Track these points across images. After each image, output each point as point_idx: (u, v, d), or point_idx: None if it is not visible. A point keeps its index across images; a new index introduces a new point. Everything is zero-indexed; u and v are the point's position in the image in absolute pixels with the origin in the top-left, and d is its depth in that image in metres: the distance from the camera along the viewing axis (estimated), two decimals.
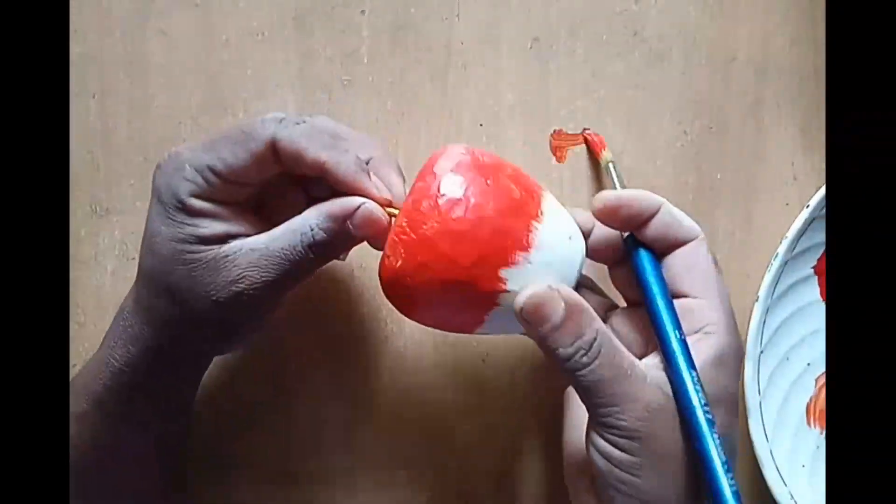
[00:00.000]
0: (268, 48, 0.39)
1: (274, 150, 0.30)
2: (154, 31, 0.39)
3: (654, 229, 0.32)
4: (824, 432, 0.38)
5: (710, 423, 0.28)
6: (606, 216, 0.32)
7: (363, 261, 0.39)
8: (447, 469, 0.39)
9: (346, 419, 0.39)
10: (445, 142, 0.39)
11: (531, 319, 0.28)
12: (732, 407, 0.31)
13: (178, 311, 0.31)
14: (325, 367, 0.39)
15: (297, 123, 0.30)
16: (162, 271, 0.31)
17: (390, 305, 0.39)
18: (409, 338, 0.39)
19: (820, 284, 0.38)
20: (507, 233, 0.28)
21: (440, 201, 0.28)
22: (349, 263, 0.39)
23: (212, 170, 0.30)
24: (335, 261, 0.39)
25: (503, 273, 0.28)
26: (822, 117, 0.39)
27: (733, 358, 0.31)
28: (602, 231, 0.33)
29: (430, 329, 0.39)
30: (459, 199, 0.28)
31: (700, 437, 0.28)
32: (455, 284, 0.28)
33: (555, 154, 0.39)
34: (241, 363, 0.39)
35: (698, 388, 0.29)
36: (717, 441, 0.28)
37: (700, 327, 0.31)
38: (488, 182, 0.29)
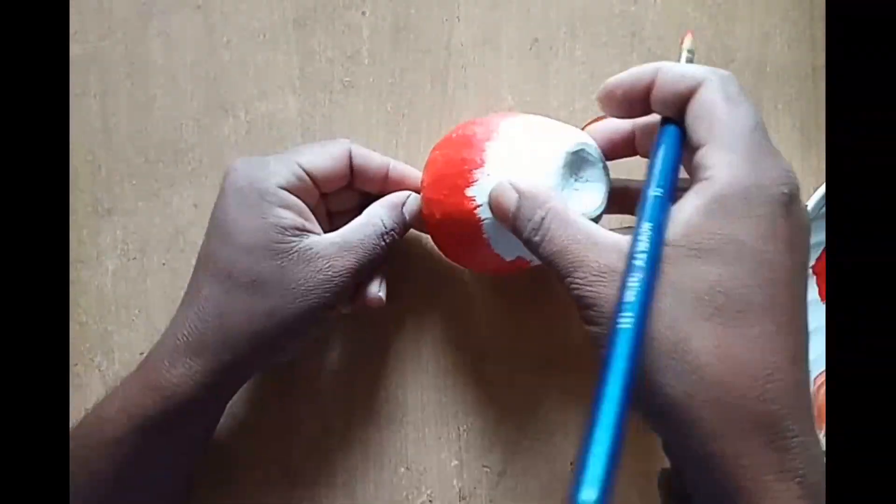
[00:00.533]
0: (269, 49, 0.39)
1: (349, 156, 0.35)
2: (155, 31, 0.39)
3: (658, 97, 0.29)
4: (824, 432, 0.38)
5: (642, 269, 0.25)
6: (608, 105, 0.31)
7: None
8: (447, 469, 0.39)
9: (347, 419, 0.39)
10: None
11: (498, 214, 0.31)
12: (738, 255, 0.25)
13: (260, 308, 0.31)
14: (327, 368, 0.39)
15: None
16: (247, 266, 0.32)
17: (392, 307, 0.39)
18: (409, 338, 0.39)
19: (819, 284, 0.38)
20: (464, 160, 0.32)
21: (426, 166, 0.35)
22: None
23: (299, 164, 0.33)
24: None
25: (469, 192, 0.32)
26: (821, 117, 0.39)
27: (740, 199, 0.26)
28: (642, 128, 0.32)
29: (429, 329, 0.39)
30: (435, 158, 0.34)
31: (623, 281, 0.25)
32: (447, 219, 0.33)
33: None
34: None
35: (645, 235, 0.26)
36: (641, 282, 0.25)
37: (701, 176, 0.27)
38: (454, 135, 0.34)
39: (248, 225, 0.32)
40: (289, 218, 0.32)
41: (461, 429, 0.39)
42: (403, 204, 0.35)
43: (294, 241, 0.32)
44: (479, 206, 0.32)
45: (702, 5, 0.39)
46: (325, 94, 0.39)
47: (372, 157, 0.35)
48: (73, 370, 0.39)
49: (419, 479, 0.39)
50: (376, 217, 0.34)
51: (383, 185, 0.36)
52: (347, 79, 0.39)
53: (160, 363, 0.32)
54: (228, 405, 0.39)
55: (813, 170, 0.40)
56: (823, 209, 0.36)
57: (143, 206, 0.40)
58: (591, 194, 0.32)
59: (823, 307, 0.38)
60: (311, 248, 0.32)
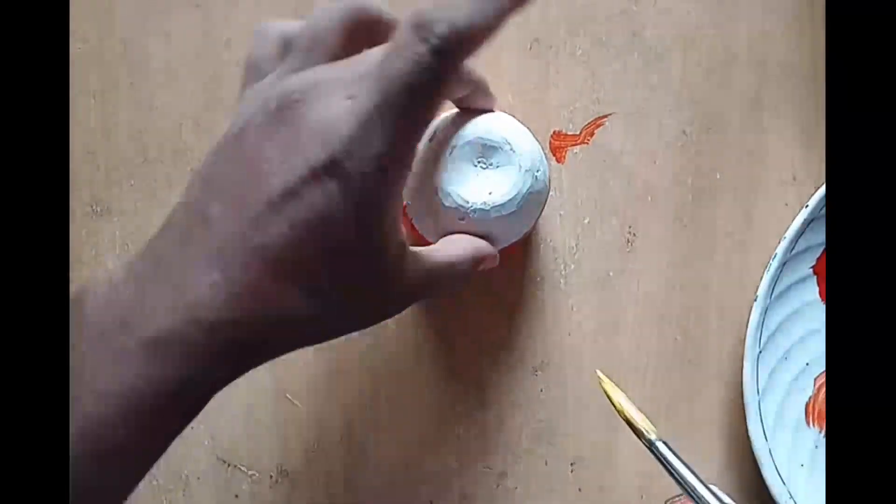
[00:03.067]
0: None
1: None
2: (154, 31, 0.39)
3: None
4: (823, 432, 0.38)
5: None
6: None
7: None
8: (447, 469, 0.39)
9: (346, 419, 0.39)
10: None
11: None
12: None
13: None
14: (325, 367, 0.39)
15: None
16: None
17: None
18: (409, 337, 0.39)
19: (819, 284, 0.38)
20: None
21: None
22: None
23: None
24: None
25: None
26: (822, 117, 0.40)
27: None
28: None
29: (429, 329, 0.39)
30: None
31: None
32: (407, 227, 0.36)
33: (555, 154, 0.39)
34: None
35: None
36: None
37: None
38: None
39: None
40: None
41: (461, 429, 0.39)
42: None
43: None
44: (406, 204, 0.35)
45: (702, 5, 0.39)
46: None
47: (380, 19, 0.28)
48: (72, 370, 0.39)
49: (418, 480, 0.39)
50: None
51: None
52: None
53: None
54: (226, 405, 0.39)
55: (813, 170, 0.40)
56: (823, 209, 0.36)
57: (142, 205, 0.39)
58: (502, 178, 0.34)
59: (822, 307, 0.38)
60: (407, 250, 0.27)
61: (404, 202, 0.35)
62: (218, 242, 0.24)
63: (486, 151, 0.34)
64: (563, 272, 0.40)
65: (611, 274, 0.40)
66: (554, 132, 0.39)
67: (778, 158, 0.40)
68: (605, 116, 0.39)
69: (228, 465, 0.39)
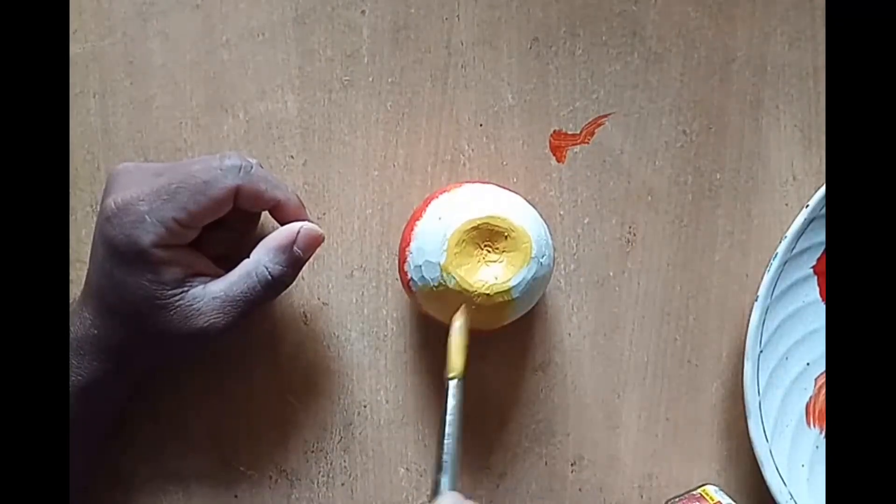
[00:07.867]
0: (268, 48, 0.39)
1: (236, 195, 0.33)
2: (154, 31, 0.39)
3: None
4: (824, 432, 0.38)
5: None
6: None
7: (364, 262, 0.39)
8: None
9: (346, 420, 0.39)
10: (445, 142, 0.39)
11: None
12: None
13: (150, 348, 0.34)
14: (325, 367, 0.39)
15: (251, 168, 0.33)
16: (137, 318, 0.33)
17: (389, 306, 0.39)
18: (408, 338, 0.39)
19: (819, 284, 0.38)
20: (404, 238, 0.36)
21: None
22: (350, 264, 0.39)
23: (176, 220, 0.32)
24: (333, 261, 0.39)
25: (405, 267, 0.35)
26: (821, 117, 0.40)
27: None
28: None
29: (428, 330, 0.39)
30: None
31: None
32: (406, 287, 0.36)
33: (554, 154, 0.39)
34: (241, 365, 0.39)
35: None
36: None
37: None
38: (420, 204, 0.36)
39: (133, 283, 0.32)
40: (167, 274, 0.32)
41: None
42: (294, 241, 0.34)
43: (176, 297, 0.32)
44: (410, 279, 0.35)
45: (702, 5, 0.39)
46: (325, 93, 0.39)
47: (261, 195, 0.33)
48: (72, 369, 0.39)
49: (419, 480, 0.39)
50: (259, 265, 0.33)
51: (275, 213, 0.35)
52: (347, 78, 0.39)
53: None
54: (227, 406, 0.39)
55: (813, 170, 0.40)
56: (823, 209, 0.36)
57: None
58: (508, 265, 0.34)
59: (823, 307, 0.38)
60: (191, 305, 0.32)
61: (408, 279, 0.35)
62: None
63: (493, 237, 0.34)
64: (563, 272, 0.40)
65: (611, 274, 0.40)
66: (554, 132, 0.39)
67: (777, 158, 0.40)
68: (605, 116, 0.39)
69: (228, 466, 0.39)
